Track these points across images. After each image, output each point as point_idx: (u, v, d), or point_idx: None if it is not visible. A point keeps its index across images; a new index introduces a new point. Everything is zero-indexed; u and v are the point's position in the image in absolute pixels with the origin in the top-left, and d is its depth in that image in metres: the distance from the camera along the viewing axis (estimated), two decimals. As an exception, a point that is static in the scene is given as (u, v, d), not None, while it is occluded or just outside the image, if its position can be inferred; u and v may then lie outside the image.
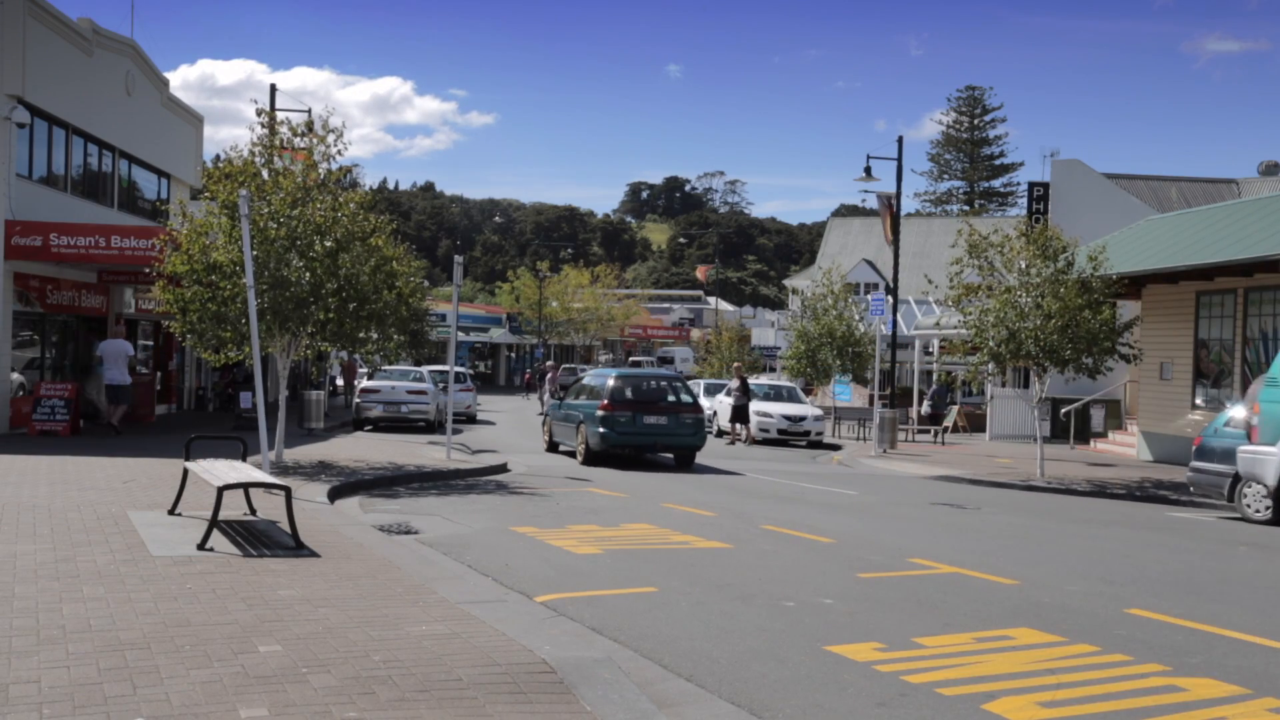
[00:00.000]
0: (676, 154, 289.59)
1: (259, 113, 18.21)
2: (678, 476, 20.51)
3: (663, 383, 23.70)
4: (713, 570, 10.50)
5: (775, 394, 33.30)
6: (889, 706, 6.39)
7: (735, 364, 32.44)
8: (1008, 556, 12.08)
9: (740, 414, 30.68)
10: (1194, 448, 18.07)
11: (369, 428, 29.25)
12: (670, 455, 23.06)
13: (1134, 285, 26.52)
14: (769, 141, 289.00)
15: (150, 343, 30.87)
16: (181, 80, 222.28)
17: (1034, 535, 14.20)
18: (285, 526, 10.62)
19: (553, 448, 25.39)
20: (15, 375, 23.03)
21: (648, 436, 22.11)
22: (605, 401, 22.11)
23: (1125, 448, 29.43)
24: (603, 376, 23.70)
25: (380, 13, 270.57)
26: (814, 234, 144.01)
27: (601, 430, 21.90)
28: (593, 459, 22.30)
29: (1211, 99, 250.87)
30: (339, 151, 18.25)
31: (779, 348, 63.37)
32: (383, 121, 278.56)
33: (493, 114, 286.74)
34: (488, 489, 17.15)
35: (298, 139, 18.25)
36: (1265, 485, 16.26)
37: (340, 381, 43.04)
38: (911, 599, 9.44)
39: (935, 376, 38.32)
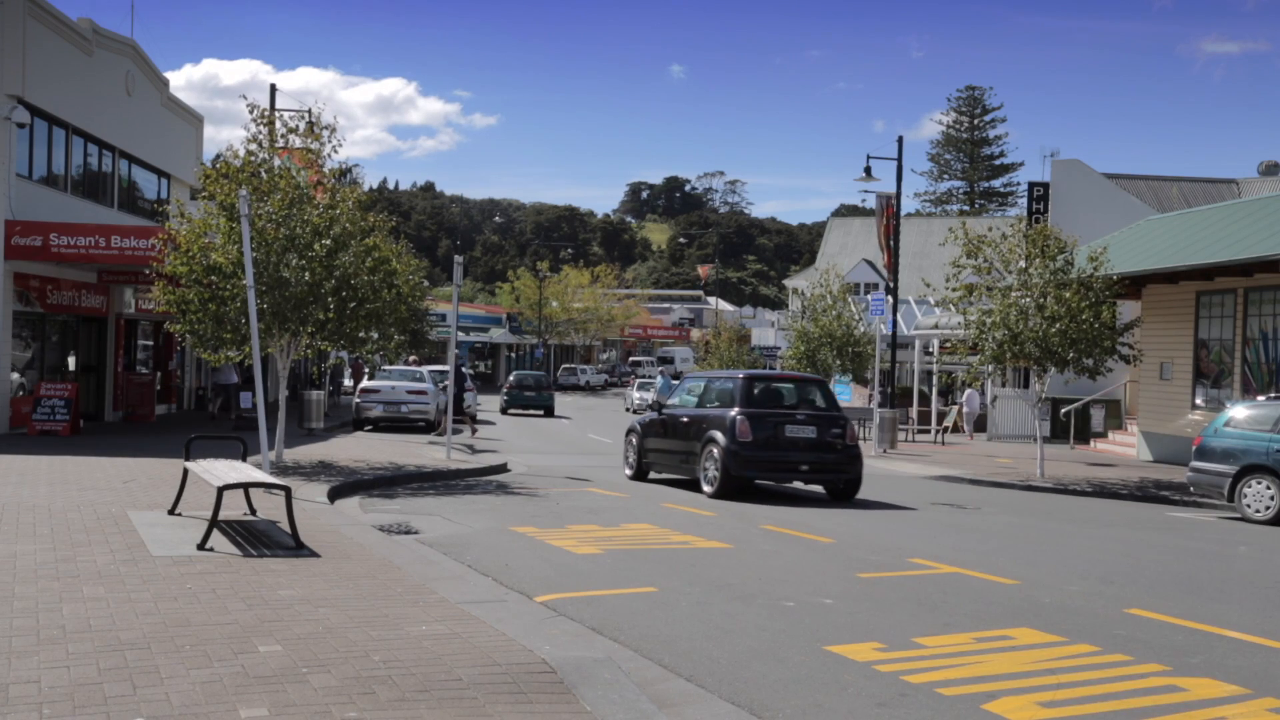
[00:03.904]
0: (676, 154, 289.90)
1: (250, 108, 18.02)
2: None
3: (538, 378, 47.35)
4: (713, 570, 10.50)
5: (775, 394, 33.22)
6: (889, 706, 6.39)
7: (455, 352, 31.70)
8: (1008, 556, 12.08)
9: (455, 405, 29.98)
10: (1194, 448, 18.06)
11: (369, 428, 29.25)
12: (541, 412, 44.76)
13: (1134, 285, 26.52)
14: (769, 141, 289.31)
15: (150, 343, 30.88)
16: (186, 80, 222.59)
17: (1034, 535, 14.20)
18: (285, 526, 10.62)
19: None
20: (15, 375, 23.04)
21: (528, 405, 44.96)
22: (507, 385, 46.51)
23: (1125, 448, 29.43)
24: (509, 374, 50.12)
25: (385, 14, 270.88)
26: (814, 234, 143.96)
27: (505, 399, 45.45)
28: (502, 411, 44.35)
29: (1211, 99, 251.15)
30: (335, 149, 18.24)
31: (779, 348, 63.38)
32: (386, 122, 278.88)
33: (496, 115, 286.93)
34: (488, 489, 17.15)
35: (294, 137, 18.21)
36: None
37: (350, 382, 43.11)
38: (911, 599, 9.44)
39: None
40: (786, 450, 17.15)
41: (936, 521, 15.31)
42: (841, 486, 17.66)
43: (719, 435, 17.07)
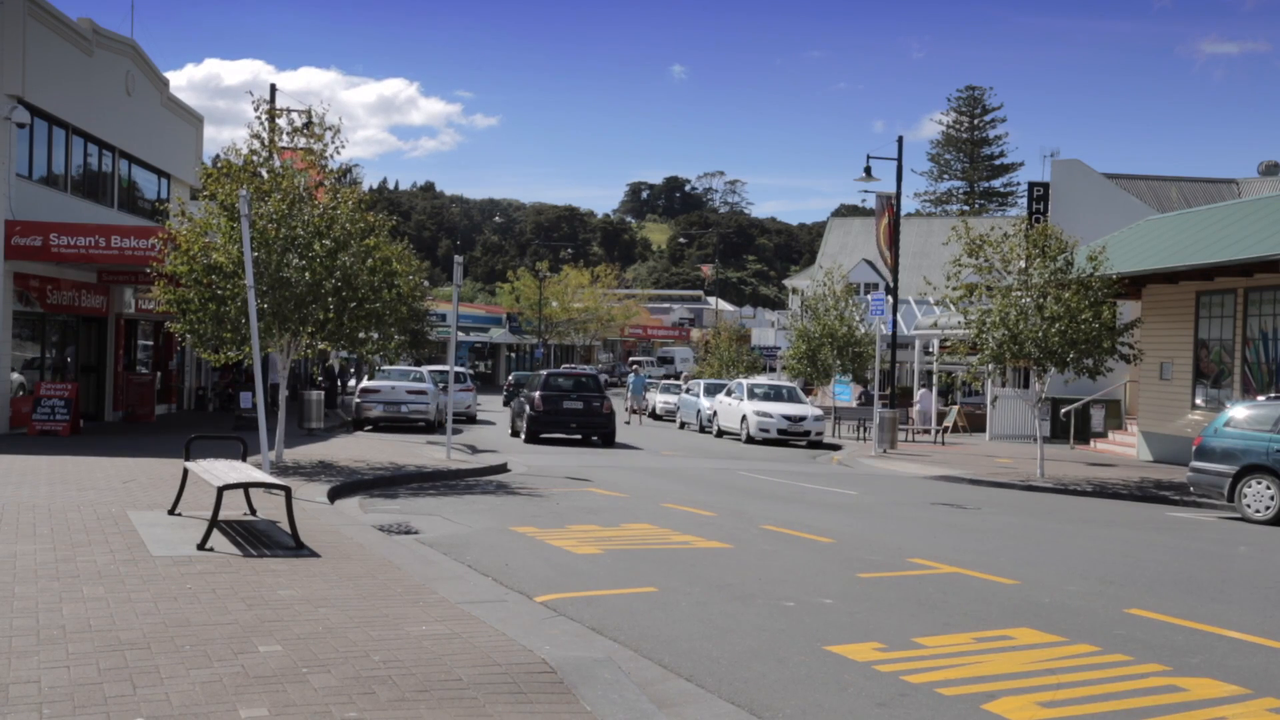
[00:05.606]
0: (676, 154, 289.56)
1: (255, 104, 17.96)
2: (678, 476, 20.53)
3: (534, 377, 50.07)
4: (713, 570, 10.50)
5: (775, 394, 33.23)
6: (889, 706, 6.39)
7: (333, 350, 31.36)
8: (1008, 556, 12.08)
9: (329, 399, 32.50)
10: (1194, 448, 18.06)
11: (369, 428, 29.25)
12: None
13: (1134, 285, 26.52)
14: (769, 141, 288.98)
15: (150, 343, 30.88)
16: (187, 80, 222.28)
17: (1034, 535, 14.20)
18: (285, 526, 10.62)
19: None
20: (15, 375, 23.03)
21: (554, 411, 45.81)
22: (507, 384, 48.10)
23: (1125, 448, 29.43)
24: (509, 374, 54.02)
25: (387, 14, 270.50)
26: (814, 234, 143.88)
27: (505, 396, 45.76)
28: (504, 404, 44.54)
29: (1211, 99, 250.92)
30: (338, 149, 18.23)
31: (779, 348, 63.38)
32: (388, 122, 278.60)
33: (497, 116, 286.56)
34: (488, 489, 17.16)
35: (297, 137, 18.21)
36: None
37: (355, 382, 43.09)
38: (911, 599, 9.44)
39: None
40: (564, 416, 28.40)
41: (936, 521, 15.31)
42: (600, 437, 28.62)
43: (528, 407, 28.51)
